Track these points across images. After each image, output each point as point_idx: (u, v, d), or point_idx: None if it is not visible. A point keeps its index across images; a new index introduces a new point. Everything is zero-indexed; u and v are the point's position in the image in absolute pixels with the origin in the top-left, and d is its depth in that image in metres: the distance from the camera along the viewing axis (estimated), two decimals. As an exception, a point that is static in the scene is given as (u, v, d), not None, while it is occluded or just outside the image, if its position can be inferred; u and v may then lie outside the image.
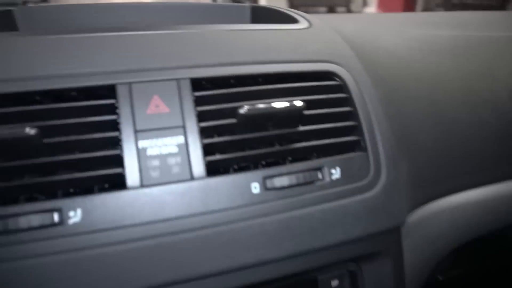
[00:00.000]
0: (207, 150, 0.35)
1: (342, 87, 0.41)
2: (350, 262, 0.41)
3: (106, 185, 0.33)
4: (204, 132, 0.35)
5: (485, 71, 0.56)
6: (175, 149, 0.33)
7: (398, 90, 0.47)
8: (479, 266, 0.78)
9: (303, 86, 0.39)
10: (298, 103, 0.35)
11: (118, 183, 0.32)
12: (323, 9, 9.39)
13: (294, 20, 0.52)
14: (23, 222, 0.29)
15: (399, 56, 0.52)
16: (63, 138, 0.32)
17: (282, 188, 0.35)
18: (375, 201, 0.38)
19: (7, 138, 0.29)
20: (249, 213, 0.34)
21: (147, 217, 0.31)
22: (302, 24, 0.49)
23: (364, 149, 0.39)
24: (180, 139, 0.34)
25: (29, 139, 0.29)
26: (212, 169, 0.34)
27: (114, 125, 0.33)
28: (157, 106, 0.34)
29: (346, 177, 0.37)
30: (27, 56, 0.35)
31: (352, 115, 0.40)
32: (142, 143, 0.33)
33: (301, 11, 0.59)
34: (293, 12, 0.57)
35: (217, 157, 0.35)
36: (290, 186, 0.35)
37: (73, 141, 0.32)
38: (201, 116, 0.35)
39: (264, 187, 0.35)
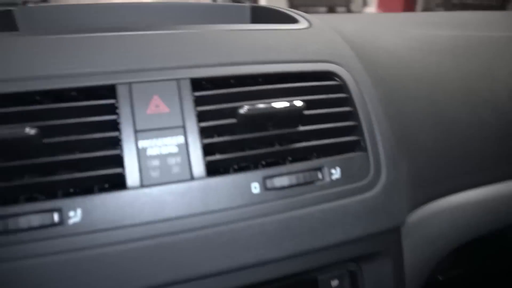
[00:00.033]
0: (207, 150, 0.34)
1: (342, 87, 0.41)
2: (350, 262, 0.41)
3: (106, 185, 0.33)
4: (204, 132, 0.35)
5: (485, 71, 0.56)
6: (175, 149, 0.33)
7: (398, 90, 0.47)
8: (479, 266, 0.78)
9: (303, 86, 0.39)
10: (298, 103, 0.35)
11: (118, 183, 0.32)
12: (323, 9, 9.39)
13: (294, 20, 0.52)
14: (23, 222, 0.29)
15: (399, 56, 0.52)
16: (63, 138, 0.32)
17: (282, 188, 0.35)
18: (375, 201, 0.38)
19: (7, 138, 0.29)
20: (249, 213, 0.34)
21: (147, 217, 0.31)
22: (302, 24, 0.49)
23: (364, 149, 0.39)
24: (180, 139, 0.34)
25: (29, 139, 0.29)
26: (212, 169, 0.34)
27: (114, 125, 0.33)
28: (157, 106, 0.34)
29: (346, 177, 0.37)
30: (27, 56, 0.35)
31: (352, 115, 0.40)
32: (142, 143, 0.33)
33: (301, 11, 0.59)
34: (293, 12, 0.57)
35: (217, 157, 0.35)
36: (290, 186, 0.35)
37: (73, 141, 0.32)
38: (201, 116, 0.35)
39: (264, 187, 0.35)
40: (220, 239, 0.33)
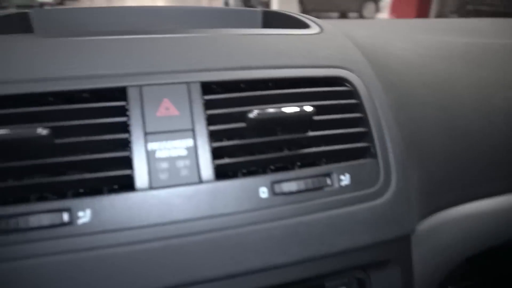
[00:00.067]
0: (216, 153, 0.35)
1: (353, 93, 0.41)
2: (358, 269, 0.40)
3: (115, 186, 0.33)
4: (213, 136, 0.35)
5: (498, 78, 0.55)
6: (184, 152, 0.34)
7: (409, 96, 0.46)
8: (491, 277, 0.76)
9: (313, 91, 0.39)
10: (308, 108, 0.35)
11: (127, 184, 0.32)
12: (335, 14, 9.38)
13: (305, 25, 0.52)
14: (34, 221, 0.29)
15: (410, 62, 0.52)
16: (74, 139, 0.32)
17: (290, 193, 0.35)
18: (385, 208, 0.37)
19: (20, 138, 0.30)
20: (257, 217, 0.33)
21: (155, 219, 0.32)
22: (314, 29, 0.49)
23: (374, 156, 0.39)
24: (189, 142, 0.34)
25: (41, 139, 0.30)
26: (221, 173, 0.34)
27: (124, 127, 0.34)
28: (167, 109, 0.34)
29: (355, 183, 0.37)
30: (41, 58, 0.36)
31: (363, 121, 0.40)
32: (151, 145, 0.33)
33: (313, 16, 0.59)
34: (304, 17, 0.57)
35: (226, 160, 0.35)
36: (299, 192, 0.35)
37: (83, 142, 0.33)
38: (211, 120, 0.35)
39: (272, 192, 0.34)
40: (228, 243, 0.33)
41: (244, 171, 0.36)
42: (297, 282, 0.37)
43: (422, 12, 5.72)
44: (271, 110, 0.34)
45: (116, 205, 0.31)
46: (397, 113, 0.42)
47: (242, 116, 0.35)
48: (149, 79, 0.35)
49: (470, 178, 0.48)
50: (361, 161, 0.38)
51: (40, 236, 0.30)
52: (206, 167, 0.34)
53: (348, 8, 9.15)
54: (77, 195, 0.32)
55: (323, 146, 0.38)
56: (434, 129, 0.46)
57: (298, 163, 0.37)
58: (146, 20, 0.65)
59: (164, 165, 0.33)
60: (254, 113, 0.34)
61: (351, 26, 0.64)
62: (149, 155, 0.33)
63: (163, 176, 0.33)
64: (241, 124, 0.35)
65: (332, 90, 0.40)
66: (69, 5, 10.75)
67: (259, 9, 0.70)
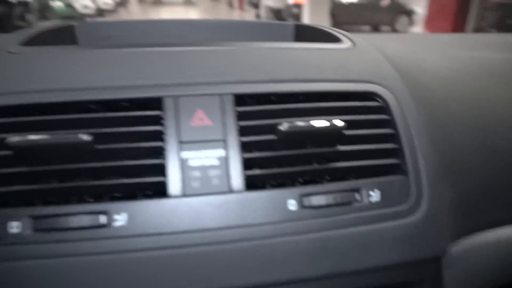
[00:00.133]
0: (246, 164, 0.35)
1: (384, 108, 0.40)
2: None
3: (149, 192, 0.34)
4: (244, 147, 0.36)
5: None
6: (216, 162, 0.34)
7: (444, 114, 0.45)
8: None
9: (344, 105, 0.39)
10: (338, 122, 0.35)
11: (160, 191, 0.33)
12: (367, 27, 9.30)
13: (337, 40, 0.52)
14: (74, 221, 0.31)
15: (445, 79, 0.50)
16: (113, 145, 0.34)
17: (319, 207, 0.35)
18: (415, 227, 0.37)
19: (64, 143, 0.32)
20: (285, 229, 0.34)
21: (187, 226, 0.32)
22: (345, 44, 0.49)
23: (405, 173, 0.38)
24: (221, 152, 0.35)
25: (83, 144, 0.32)
26: (250, 183, 0.35)
27: (159, 135, 0.35)
28: (201, 119, 0.36)
29: (384, 200, 0.36)
30: (84, 68, 0.38)
31: (394, 137, 0.39)
32: (185, 154, 0.34)
33: (345, 28, 0.59)
34: (336, 32, 0.57)
35: (256, 172, 0.35)
36: (327, 206, 0.35)
37: (121, 148, 0.34)
38: (242, 131, 0.36)
39: (301, 205, 0.35)
40: (255, 253, 0.33)
41: (273, 182, 0.36)
42: None
43: (459, 26, 5.56)
44: (301, 123, 0.35)
45: (150, 210, 0.32)
46: (431, 130, 0.42)
47: (272, 128, 0.36)
48: (184, 90, 0.37)
49: (507, 200, 0.46)
50: (392, 177, 0.38)
51: (80, 236, 0.31)
52: (237, 177, 0.34)
53: (380, 21, 9.04)
54: (113, 199, 0.34)
55: (352, 161, 0.38)
56: (470, 147, 0.45)
57: (327, 177, 0.37)
58: (182, 32, 0.67)
59: (197, 173, 0.34)
60: (284, 125, 0.34)
61: (384, 40, 0.64)
62: (183, 163, 0.34)
63: (195, 184, 0.34)
64: (272, 136, 0.36)
65: (363, 105, 0.40)
66: (107, 16, 11.25)
67: (291, 22, 0.71)
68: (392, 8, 8.89)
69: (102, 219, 0.31)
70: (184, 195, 0.33)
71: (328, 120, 0.35)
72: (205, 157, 0.34)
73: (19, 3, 4.84)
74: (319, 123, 0.35)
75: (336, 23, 7.80)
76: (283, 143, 0.36)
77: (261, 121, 0.37)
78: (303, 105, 0.38)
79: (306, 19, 5.85)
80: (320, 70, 0.41)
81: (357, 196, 0.36)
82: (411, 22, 9.18)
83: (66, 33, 0.60)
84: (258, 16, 12.10)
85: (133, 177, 0.34)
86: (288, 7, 8.30)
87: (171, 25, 0.68)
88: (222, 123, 0.36)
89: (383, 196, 0.37)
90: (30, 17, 5.04)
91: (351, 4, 8.61)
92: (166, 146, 0.34)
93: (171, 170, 0.34)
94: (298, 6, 7.40)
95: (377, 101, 0.41)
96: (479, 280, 0.46)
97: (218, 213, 0.33)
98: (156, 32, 0.67)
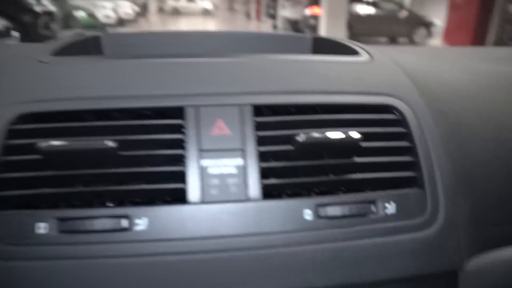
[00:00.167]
0: (264, 173, 0.36)
1: (401, 121, 0.41)
2: None
3: (168, 198, 0.35)
4: (261, 156, 0.36)
5: None
6: (234, 170, 0.35)
7: (462, 128, 0.45)
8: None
9: (361, 118, 0.40)
10: (355, 134, 0.36)
11: (180, 197, 0.35)
12: (384, 39, 9.25)
13: (355, 52, 0.53)
14: (98, 224, 0.32)
15: (464, 93, 0.50)
16: (136, 152, 0.35)
17: (334, 217, 0.35)
18: (431, 240, 0.36)
19: (90, 149, 0.33)
20: (301, 238, 0.34)
21: (205, 232, 0.33)
22: (363, 57, 0.50)
23: (421, 186, 0.38)
24: (240, 161, 0.36)
25: (108, 150, 0.33)
26: (267, 192, 0.36)
27: (180, 143, 0.36)
28: (221, 129, 0.37)
29: (400, 212, 0.37)
30: (110, 78, 0.40)
31: (410, 150, 0.40)
32: (204, 162, 0.35)
33: (362, 39, 0.59)
34: (354, 44, 0.57)
35: (273, 181, 0.36)
36: (343, 217, 0.35)
37: (144, 155, 0.36)
38: (260, 141, 0.37)
39: (317, 215, 0.35)
40: (271, 261, 0.33)
41: (289, 192, 0.37)
42: None
43: (479, 39, 5.47)
44: (318, 134, 0.35)
45: (170, 215, 0.33)
46: (448, 144, 0.42)
47: (290, 139, 0.36)
48: (205, 100, 0.38)
49: None
50: (408, 190, 0.38)
51: (102, 239, 0.32)
52: (254, 186, 0.35)
53: (398, 33, 8.97)
54: (134, 204, 0.35)
55: (368, 173, 0.38)
56: (489, 162, 0.45)
57: (343, 188, 0.38)
58: (203, 43, 0.69)
59: (215, 181, 0.35)
60: (302, 136, 0.35)
61: (401, 53, 0.64)
62: (202, 171, 0.35)
63: (214, 192, 0.35)
64: (289, 147, 0.37)
65: (380, 118, 0.40)
66: (127, 25, 11.53)
67: (309, 35, 0.72)
68: (410, 20, 8.83)
69: (124, 223, 0.33)
70: (203, 202, 0.34)
71: (344, 132, 0.36)
72: (224, 166, 0.35)
73: (44, 13, 5.02)
74: (336, 134, 0.35)
75: (353, 35, 7.79)
76: (300, 154, 0.37)
77: (279, 131, 0.38)
78: (321, 117, 0.39)
79: (323, 30, 5.87)
80: (338, 83, 0.42)
81: (372, 207, 0.36)
82: (429, 34, 9.08)
83: (93, 43, 0.63)
84: (275, 26, 12.20)
85: (154, 183, 0.35)
86: (305, 18, 8.35)
87: (192, 37, 0.70)
88: (241, 132, 0.37)
89: (398, 208, 0.37)
90: (54, 26, 5.22)
91: (369, 16, 8.59)
92: (187, 154, 0.35)
93: (191, 178, 0.35)
94: (315, 17, 7.43)
95: (394, 114, 0.41)
96: None
97: (235, 221, 0.34)
98: (177, 43, 0.69)
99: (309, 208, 0.35)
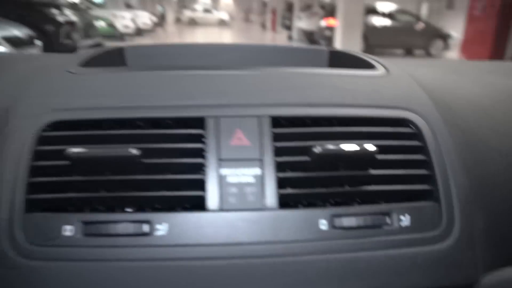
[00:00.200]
0: (280, 183, 0.37)
1: (417, 135, 0.41)
2: None
3: (187, 205, 0.37)
4: (278, 166, 0.37)
5: None
6: (252, 179, 0.36)
7: (479, 143, 0.45)
8: None
9: (377, 131, 0.40)
10: (371, 147, 0.37)
11: (199, 204, 0.36)
12: (400, 50, 9.19)
13: (371, 66, 0.54)
14: (120, 228, 0.34)
15: (481, 108, 0.51)
16: (158, 160, 0.37)
17: (350, 228, 0.36)
18: (446, 253, 0.37)
19: (115, 156, 0.35)
20: (316, 248, 0.35)
21: (223, 239, 0.34)
22: (379, 70, 0.51)
23: (437, 199, 0.38)
24: (257, 170, 0.37)
25: (131, 158, 0.35)
26: (283, 202, 0.36)
27: (200, 152, 0.38)
28: (239, 139, 0.38)
29: (415, 225, 0.37)
30: (134, 88, 0.42)
31: (426, 163, 0.40)
32: (223, 171, 0.37)
33: (377, 51, 0.60)
34: (370, 58, 0.58)
35: (289, 191, 0.37)
36: (358, 228, 0.36)
37: (165, 163, 0.37)
38: (278, 151, 0.38)
39: (332, 225, 0.36)
40: (287, 269, 0.34)
41: (305, 202, 0.38)
42: None
43: (497, 52, 5.39)
44: (335, 146, 0.36)
45: (190, 222, 0.35)
46: (464, 158, 0.42)
47: (306, 150, 0.37)
48: (225, 111, 0.39)
49: None
50: (423, 203, 0.38)
51: (124, 243, 0.34)
52: (271, 195, 0.36)
53: (414, 45, 8.90)
54: (154, 210, 0.36)
55: (384, 185, 0.39)
56: (506, 178, 0.45)
57: (358, 200, 0.38)
58: (221, 55, 0.71)
59: (234, 189, 0.36)
60: (318, 148, 0.36)
61: (417, 66, 0.64)
62: (221, 179, 0.36)
63: (232, 200, 0.36)
64: (305, 158, 0.38)
65: (396, 131, 0.41)
66: (146, 35, 11.78)
67: (326, 48, 0.73)
68: (427, 32, 8.76)
69: (145, 227, 0.34)
70: (221, 209, 0.35)
71: (360, 145, 0.37)
72: (242, 175, 0.36)
73: (66, 23, 5.19)
74: (352, 147, 0.36)
75: (368, 46, 7.77)
76: (316, 165, 0.38)
77: (296, 142, 0.39)
78: (337, 129, 0.40)
79: (338, 42, 5.88)
80: (354, 96, 0.43)
81: (387, 219, 0.37)
82: (446, 47, 8.99)
83: (117, 55, 0.65)
84: (290, 37, 12.28)
85: (175, 190, 0.36)
86: (321, 29, 8.38)
87: (210, 49, 0.72)
88: (259, 143, 0.38)
89: (413, 221, 0.37)
90: (75, 35, 5.39)
91: (385, 27, 8.56)
92: (206, 163, 0.37)
93: (210, 186, 0.36)
94: (330, 28, 7.46)
95: (410, 127, 0.42)
96: None
97: (252, 229, 0.35)
98: (195, 55, 0.71)
99: (325, 218, 0.36)
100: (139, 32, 11.17)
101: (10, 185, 0.35)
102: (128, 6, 12.35)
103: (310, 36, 9.55)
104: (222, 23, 24.62)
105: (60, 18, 5.22)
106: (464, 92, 0.54)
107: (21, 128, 0.37)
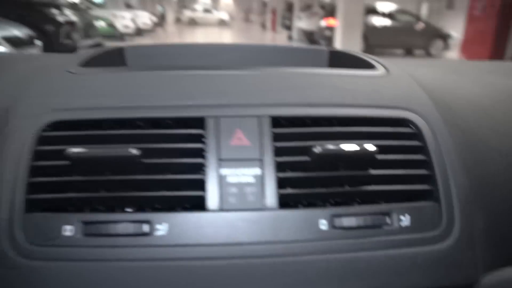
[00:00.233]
0: (280, 183, 0.37)
1: (417, 135, 0.41)
2: None
3: (187, 205, 0.37)
4: (278, 166, 0.37)
5: None
6: (252, 180, 0.36)
7: (479, 143, 0.45)
8: None
9: (377, 131, 0.40)
10: (371, 147, 0.37)
11: (199, 204, 0.36)
12: (400, 50, 9.19)
13: (371, 66, 0.54)
14: (120, 228, 0.34)
15: (481, 108, 0.51)
16: (158, 160, 0.37)
17: (349, 228, 0.36)
18: (446, 253, 0.37)
19: (115, 156, 0.35)
20: (316, 248, 0.35)
21: (223, 239, 0.34)
22: (379, 70, 0.51)
23: (437, 199, 0.38)
24: (257, 170, 0.37)
25: (131, 158, 0.35)
26: (283, 202, 0.36)
27: (200, 152, 0.38)
28: (239, 139, 0.38)
29: (415, 225, 0.37)
30: (134, 88, 0.42)
31: (426, 163, 0.40)
32: (223, 171, 0.36)
33: (377, 51, 0.60)
34: (370, 58, 0.58)
35: (289, 191, 0.37)
36: (358, 228, 0.36)
37: (165, 163, 0.37)
38: (277, 151, 0.38)
39: (332, 225, 0.36)
40: (287, 269, 0.34)
41: (305, 202, 0.38)
42: None
43: (497, 52, 5.38)
44: (335, 146, 0.36)
45: (190, 222, 0.35)
46: (464, 158, 0.42)
47: (306, 150, 0.37)
48: (225, 111, 0.39)
49: None
50: (423, 203, 0.38)
51: (124, 243, 0.34)
52: (271, 195, 0.36)
53: (414, 45, 8.90)
54: (154, 210, 0.36)
55: (383, 185, 0.39)
56: (506, 178, 0.45)
57: (358, 200, 0.38)
58: (221, 55, 0.71)
59: (234, 190, 0.36)
60: (318, 148, 0.36)
61: (417, 66, 0.64)
62: (221, 179, 0.36)
63: (232, 200, 0.36)
64: (305, 158, 0.38)
65: (396, 131, 0.41)
66: (146, 35, 11.77)
67: (326, 48, 0.73)
68: (427, 32, 8.75)
69: (145, 227, 0.34)
70: (221, 209, 0.35)
71: (360, 145, 0.37)
72: (242, 175, 0.36)
73: (66, 23, 5.19)
74: (352, 147, 0.36)
75: (368, 46, 7.76)
76: (316, 165, 0.38)
77: (296, 142, 0.39)
78: (337, 129, 0.40)
79: (338, 42, 5.88)
80: (354, 96, 0.43)
81: (387, 219, 0.37)
82: (446, 47, 8.99)
83: (117, 55, 0.65)
84: (290, 37, 12.27)
85: (175, 190, 0.36)
86: (321, 29, 8.38)
87: (210, 49, 0.72)
88: (259, 143, 0.38)
89: (413, 221, 0.37)
90: (75, 35, 5.39)
91: (385, 27, 8.55)
92: (206, 163, 0.37)
93: (210, 186, 0.36)
94: (330, 28, 7.46)
95: (410, 127, 0.42)
96: None
97: (252, 229, 0.35)
98: (195, 55, 0.71)
99: (325, 218, 0.36)
100: (139, 32, 11.16)
101: (10, 185, 0.35)
102: (128, 6, 12.34)
103: (310, 36, 9.54)
104: (222, 23, 24.61)
105: (60, 18, 5.21)
106: (464, 92, 0.54)
107: (21, 128, 0.37)
